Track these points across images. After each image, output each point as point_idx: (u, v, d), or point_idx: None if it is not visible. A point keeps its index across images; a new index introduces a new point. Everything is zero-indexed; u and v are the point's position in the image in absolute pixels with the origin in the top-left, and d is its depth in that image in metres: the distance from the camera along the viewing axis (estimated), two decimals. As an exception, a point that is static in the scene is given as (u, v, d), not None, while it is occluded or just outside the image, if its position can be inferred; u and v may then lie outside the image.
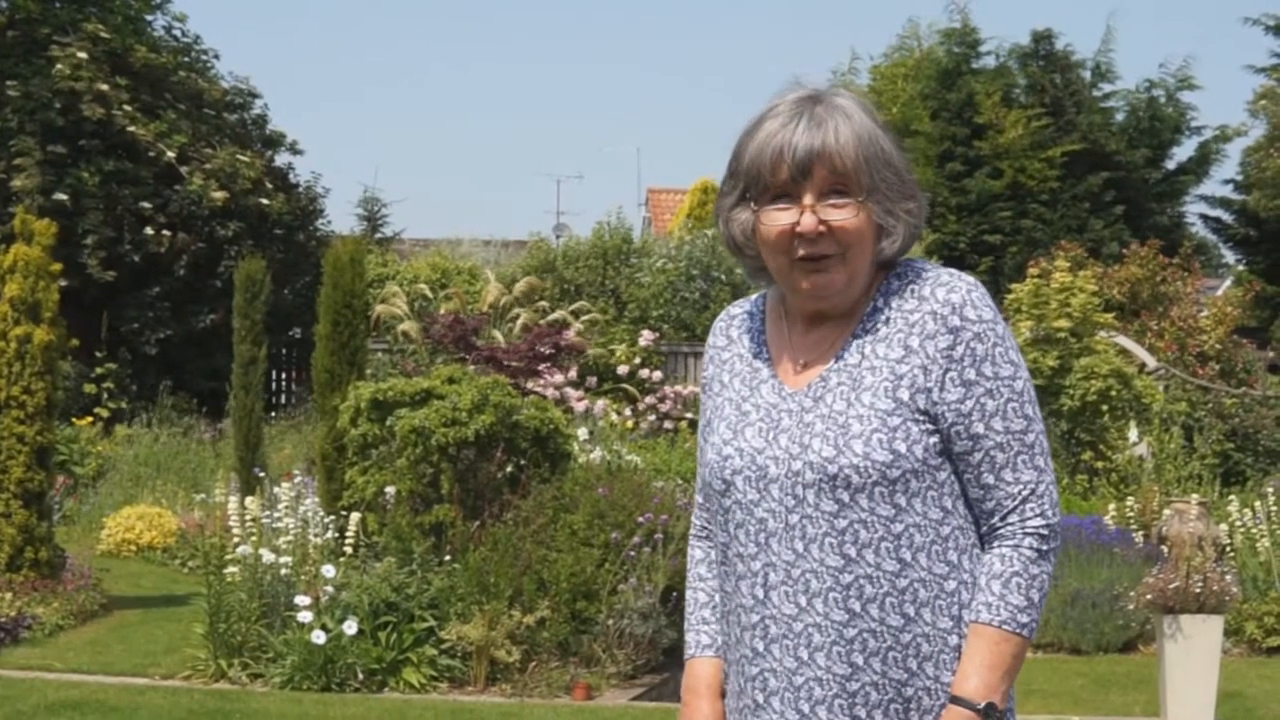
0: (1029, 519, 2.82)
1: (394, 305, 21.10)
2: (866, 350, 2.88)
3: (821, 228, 2.83)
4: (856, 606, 2.81)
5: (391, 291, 21.71)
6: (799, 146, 2.83)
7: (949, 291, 2.85)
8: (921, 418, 2.82)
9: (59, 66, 22.47)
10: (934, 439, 2.82)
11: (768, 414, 2.94)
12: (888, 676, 2.81)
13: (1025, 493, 2.82)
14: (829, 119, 2.85)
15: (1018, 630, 2.78)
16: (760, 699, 2.91)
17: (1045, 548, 2.81)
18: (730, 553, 2.96)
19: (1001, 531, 2.84)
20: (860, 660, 2.81)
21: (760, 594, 2.89)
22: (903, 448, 2.80)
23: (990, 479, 2.83)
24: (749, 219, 2.93)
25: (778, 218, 2.87)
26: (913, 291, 2.89)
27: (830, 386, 2.88)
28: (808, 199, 2.84)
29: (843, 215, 2.83)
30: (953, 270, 2.92)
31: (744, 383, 3.03)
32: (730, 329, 3.13)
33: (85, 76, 22.47)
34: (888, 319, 2.88)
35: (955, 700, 2.77)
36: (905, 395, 2.82)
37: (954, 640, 2.82)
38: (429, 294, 22.55)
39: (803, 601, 2.84)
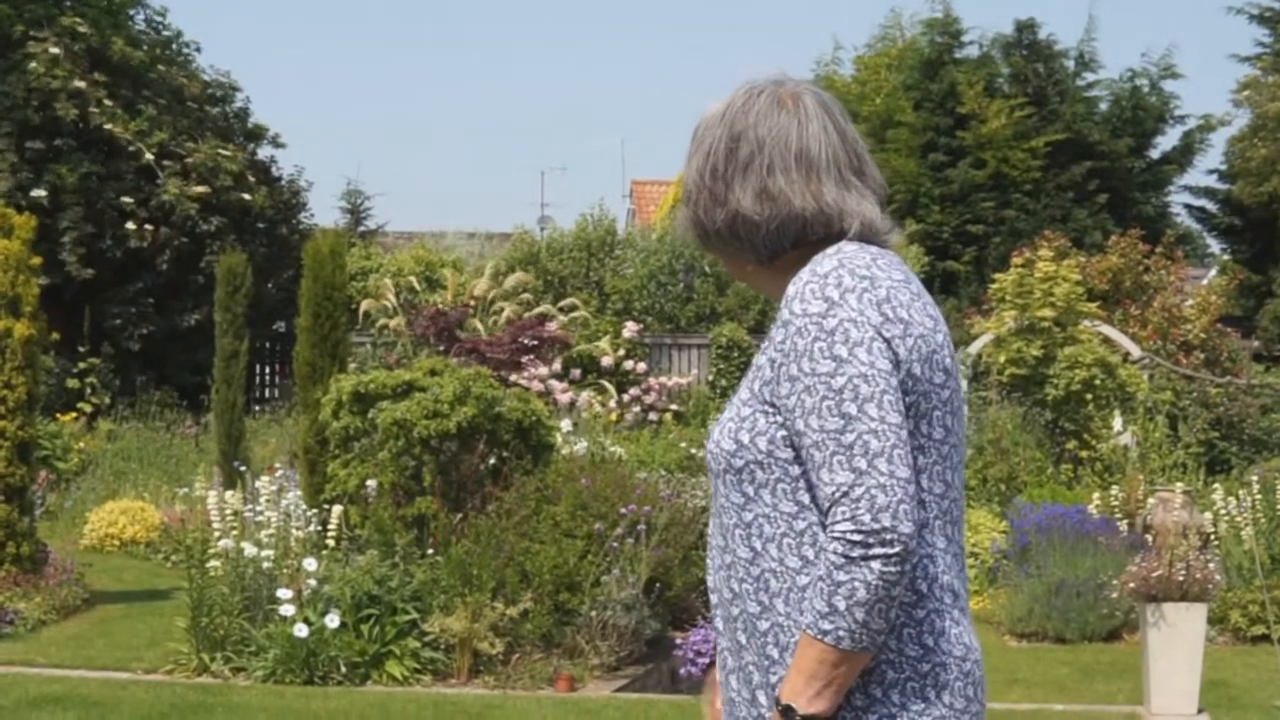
0: (837, 522, 2.68)
1: (382, 298, 21.06)
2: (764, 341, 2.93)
3: None
4: (736, 587, 2.88)
5: (380, 284, 21.67)
6: None
7: (793, 283, 2.82)
8: (770, 410, 2.82)
9: (34, 65, 22.37)
10: (782, 433, 2.80)
11: None
12: (759, 661, 2.84)
13: (837, 494, 2.68)
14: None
15: (819, 636, 2.67)
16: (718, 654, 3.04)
17: (856, 554, 2.64)
18: None
19: (827, 533, 2.73)
20: (743, 639, 2.87)
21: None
22: (746, 438, 2.83)
23: (813, 478, 2.75)
24: None
25: None
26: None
27: None
28: None
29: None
30: (823, 258, 2.83)
31: None
32: None
33: (60, 74, 22.37)
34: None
35: (775, 697, 2.78)
36: (757, 387, 2.85)
37: None
38: (416, 286, 22.51)
39: (712, 576, 2.97)
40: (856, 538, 2.65)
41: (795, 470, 2.80)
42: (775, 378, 2.80)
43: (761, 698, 2.83)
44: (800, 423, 2.74)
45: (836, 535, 2.66)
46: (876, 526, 2.64)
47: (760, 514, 2.82)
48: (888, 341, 2.74)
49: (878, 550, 2.64)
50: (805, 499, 2.79)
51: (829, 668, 2.69)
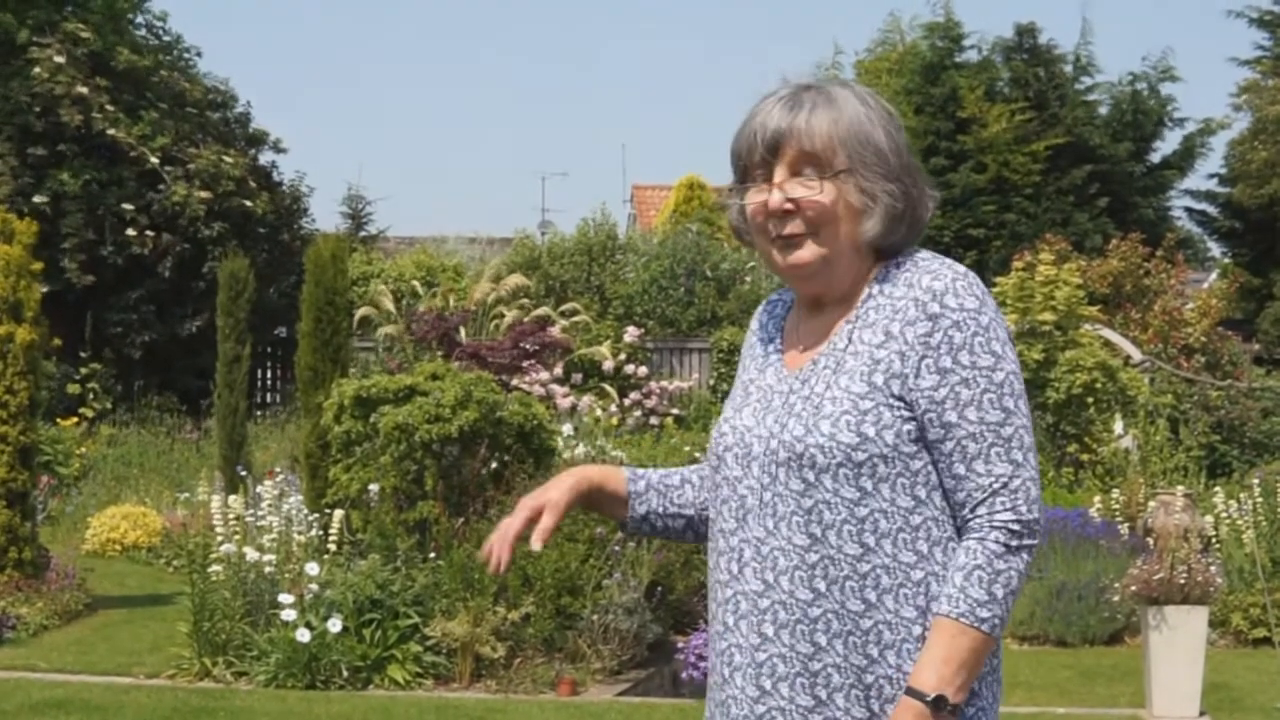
0: (998, 512, 2.77)
1: (380, 304, 21.06)
2: (854, 336, 2.88)
3: (788, 205, 2.88)
4: (821, 586, 2.80)
5: (378, 290, 21.68)
6: (769, 126, 2.89)
7: (933, 279, 2.84)
8: (897, 403, 2.80)
9: (37, 70, 22.38)
10: (909, 426, 2.80)
11: (764, 395, 2.99)
12: (849, 660, 2.79)
13: (996, 485, 2.77)
14: (808, 102, 2.90)
15: (976, 624, 2.73)
16: (726, 674, 2.93)
17: (1015, 543, 2.76)
18: (715, 528, 3.00)
19: (971, 524, 2.79)
20: (824, 641, 2.80)
21: (735, 569, 2.92)
22: (871, 431, 2.79)
23: (961, 469, 2.79)
24: (739, 203, 3.00)
25: (754, 196, 2.94)
26: (904, 279, 2.88)
27: (818, 370, 2.91)
28: (777, 177, 2.89)
29: (807, 191, 2.87)
30: (946, 259, 2.91)
31: (757, 366, 3.09)
32: (763, 314, 3.19)
33: (64, 80, 22.39)
34: (878, 305, 2.88)
35: (909, 691, 2.74)
36: (880, 380, 2.81)
37: (918, 630, 2.79)
38: (419, 290, 22.52)
39: (770, 578, 2.85)
40: (1016, 527, 2.77)
41: (915, 464, 2.82)
42: (913, 370, 2.81)
43: (839, 700, 2.81)
44: (952, 414, 2.79)
45: (998, 525, 2.77)
46: (1030, 518, 2.79)
47: (877, 509, 2.80)
48: (1012, 343, 2.88)
49: (1028, 541, 2.79)
50: (922, 493, 2.82)
51: (977, 657, 2.76)
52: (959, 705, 2.74)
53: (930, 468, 2.83)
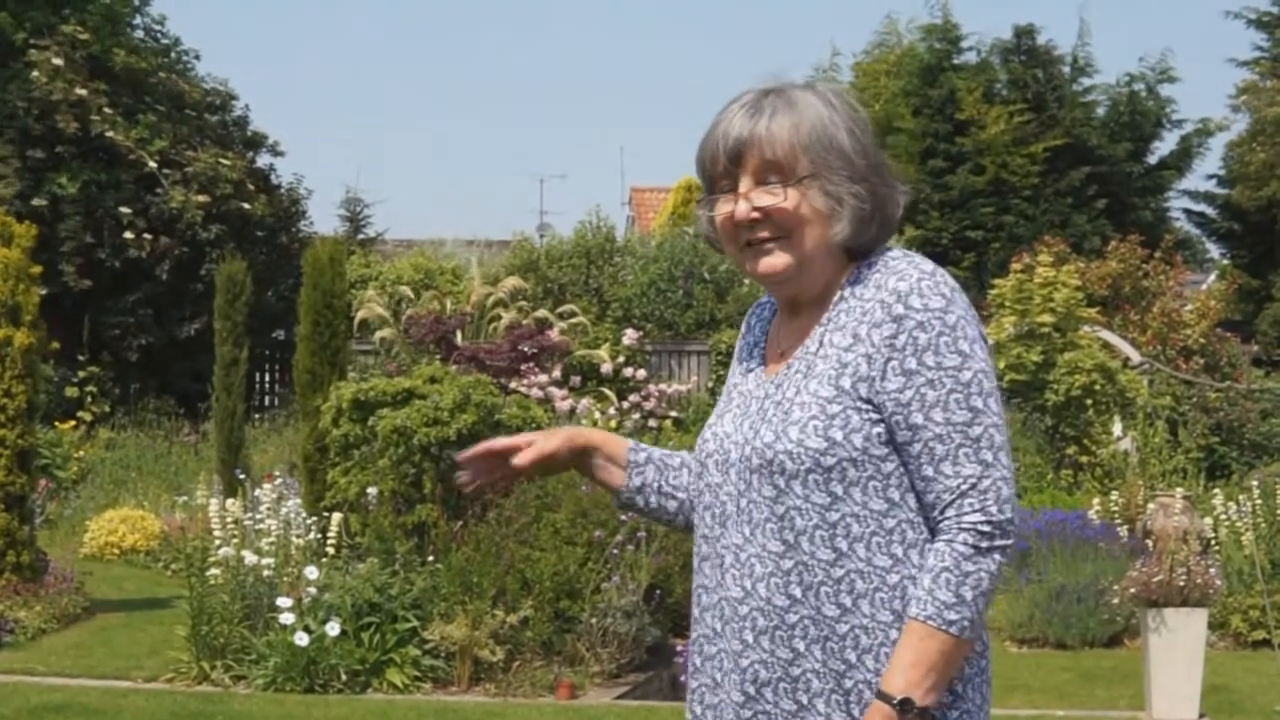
0: (966, 514, 2.74)
1: (372, 308, 21.02)
2: (825, 339, 2.88)
3: (755, 214, 2.88)
4: (797, 592, 2.81)
5: (368, 298, 21.63)
6: (730, 136, 2.89)
7: (899, 279, 2.82)
8: (865, 406, 2.79)
9: (36, 73, 22.36)
10: (878, 429, 2.79)
11: (744, 400, 2.99)
12: (828, 666, 2.79)
13: (965, 487, 2.75)
14: (768, 108, 2.89)
15: (944, 627, 2.71)
16: (717, 678, 2.95)
17: (985, 545, 2.73)
18: (699, 533, 3.01)
19: (941, 526, 2.77)
20: (802, 647, 2.81)
21: (719, 575, 2.93)
22: (839, 435, 2.78)
23: (930, 471, 2.77)
24: (707, 215, 3.00)
25: (721, 208, 2.94)
26: (874, 280, 2.87)
27: (790, 374, 2.91)
28: (742, 187, 2.90)
29: (773, 200, 2.87)
30: (916, 258, 2.89)
31: (741, 370, 3.09)
32: (751, 317, 3.19)
33: (63, 84, 22.36)
34: (849, 308, 2.88)
35: (879, 694, 2.74)
36: (847, 383, 2.81)
37: (895, 634, 2.77)
38: (412, 295, 22.47)
39: (748, 585, 2.86)
40: (986, 529, 2.74)
41: (887, 467, 2.80)
42: (879, 373, 2.79)
43: (820, 705, 2.81)
44: (918, 416, 2.77)
45: (966, 526, 2.74)
46: (1002, 518, 2.75)
47: (848, 513, 2.79)
48: (984, 340, 2.84)
49: (1000, 542, 2.75)
50: (895, 496, 2.80)
51: (946, 660, 2.74)
52: (927, 708, 2.73)
53: (903, 470, 2.82)
